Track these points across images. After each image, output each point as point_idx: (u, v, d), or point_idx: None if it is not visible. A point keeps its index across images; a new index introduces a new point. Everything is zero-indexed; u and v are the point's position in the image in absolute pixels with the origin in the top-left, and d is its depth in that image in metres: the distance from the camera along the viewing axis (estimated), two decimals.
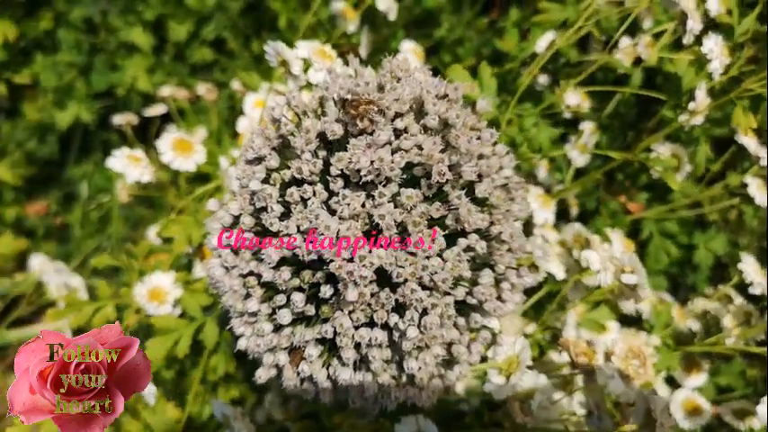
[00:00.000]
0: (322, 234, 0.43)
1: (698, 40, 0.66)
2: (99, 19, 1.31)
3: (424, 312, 0.45)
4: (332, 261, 0.43)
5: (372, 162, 0.43)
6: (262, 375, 0.49)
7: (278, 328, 0.48)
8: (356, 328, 0.45)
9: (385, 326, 0.46)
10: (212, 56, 1.34)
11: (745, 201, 0.92)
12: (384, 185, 0.44)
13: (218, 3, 1.28)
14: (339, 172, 0.45)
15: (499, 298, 0.50)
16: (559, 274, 0.69)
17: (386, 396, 0.49)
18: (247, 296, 0.48)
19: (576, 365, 0.59)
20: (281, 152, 0.49)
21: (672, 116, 0.70)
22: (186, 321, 0.70)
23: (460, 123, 0.47)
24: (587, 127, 0.92)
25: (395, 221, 0.44)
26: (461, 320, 0.50)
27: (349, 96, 0.45)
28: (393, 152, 0.44)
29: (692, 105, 0.67)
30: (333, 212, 0.44)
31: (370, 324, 0.45)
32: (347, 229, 0.43)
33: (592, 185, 0.87)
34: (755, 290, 0.75)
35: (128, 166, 0.71)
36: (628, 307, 0.65)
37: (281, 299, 0.47)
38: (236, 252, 0.48)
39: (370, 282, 0.44)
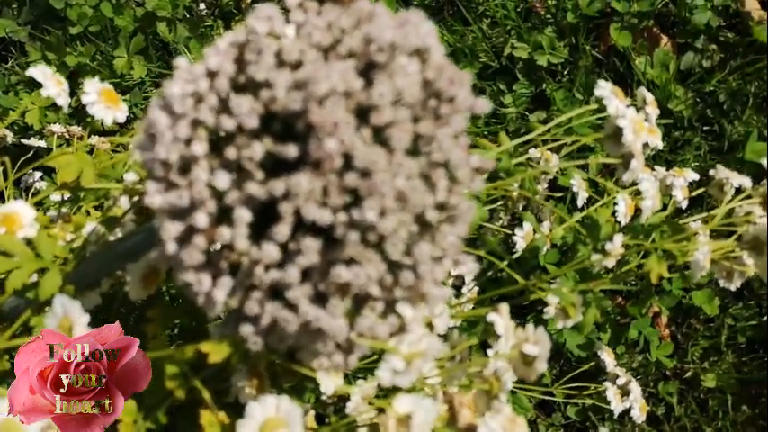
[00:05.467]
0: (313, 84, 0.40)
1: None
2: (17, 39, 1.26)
3: (383, 214, 0.41)
4: (316, 109, 0.40)
5: None
6: (168, 247, 0.42)
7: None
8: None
9: (331, 216, 0.41)
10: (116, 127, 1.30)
11: None
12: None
13: (142, 78, 1.28)
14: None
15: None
16: None
17: (294, 311, 0.43)
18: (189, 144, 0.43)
19: (458, 421, 0.55)
20: None
21: (585, 253, 0.73)
22: (32, 255, 0.59)
23: None
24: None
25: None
26: (388, 277, 0.46)
27: None
28: None
29: (609, 246, 0.71)
30: None
31: (323, 206, 0.41)
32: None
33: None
34: None
35: (48, 80, 0.65)
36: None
37: (231, 153, 0.42)
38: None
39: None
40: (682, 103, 1.25)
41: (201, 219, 0.41)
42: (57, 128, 1.16)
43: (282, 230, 0.41)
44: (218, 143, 0.44)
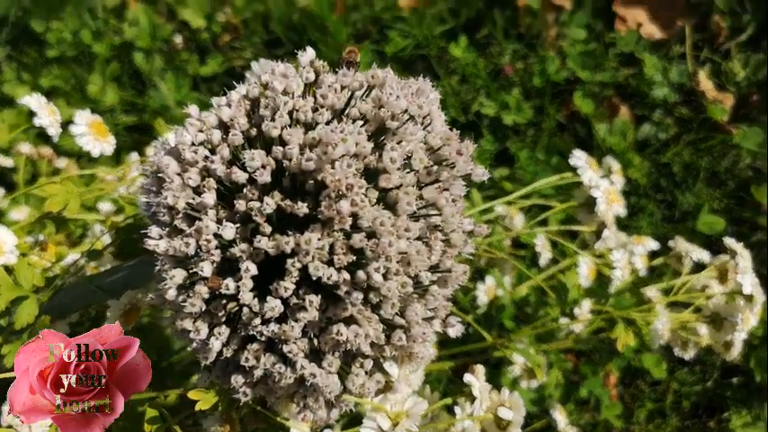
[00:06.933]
0: (329, 146, 0.41)
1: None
2: None
3: (386, 276, 0.42)
4: (331, 171, 0.41)
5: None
6: (168, 293, 0.43)
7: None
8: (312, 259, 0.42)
9: (337, 275, 0.42)
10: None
11: None
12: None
13: (113, 105, 1.27)
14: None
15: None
16: None
17: (286, 373, 0.43)
18: (198, 193, 0.43)
19: None
20: None
21: (554, 315, 0.75)
22: (11, 283, 0.59)
23: None
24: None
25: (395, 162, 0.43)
26: (382, 336, 0.47)
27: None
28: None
29: (577, 311, 0.73)
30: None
31: (329, 264, 0.42)
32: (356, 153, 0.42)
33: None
34: None
35: (42, 109, 0.64)
36: None
37: (241, 205, 0.43)
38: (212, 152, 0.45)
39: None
40: (638, 171, 1.30)
41: (207, 268, 0.42)
42: (26, 148, 1.15)
43: (287, 286, 0.42)
44: (219, 191, 0.45)
